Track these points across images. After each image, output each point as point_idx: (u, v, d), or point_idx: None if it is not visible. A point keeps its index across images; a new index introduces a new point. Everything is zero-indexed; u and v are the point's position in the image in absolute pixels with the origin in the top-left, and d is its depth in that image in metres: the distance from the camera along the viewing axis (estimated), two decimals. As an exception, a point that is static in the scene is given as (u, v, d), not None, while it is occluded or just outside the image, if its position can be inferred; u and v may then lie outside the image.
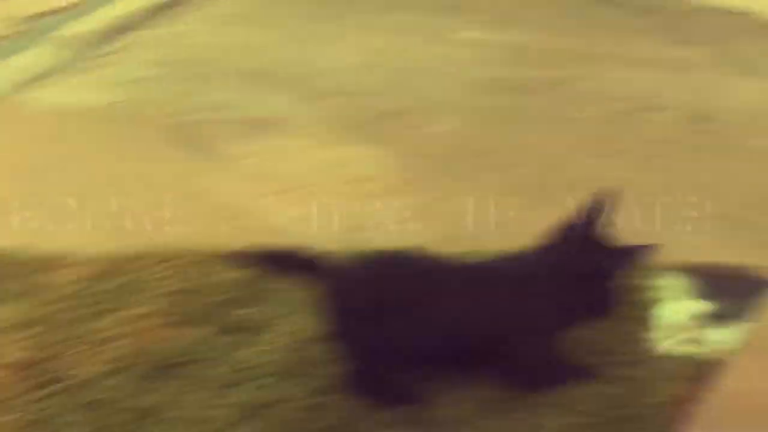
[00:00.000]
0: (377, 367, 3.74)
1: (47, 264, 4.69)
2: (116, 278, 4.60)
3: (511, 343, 3.67)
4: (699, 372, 3.94)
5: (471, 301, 3.63)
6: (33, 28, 8.08)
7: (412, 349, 3.63)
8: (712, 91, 6.20)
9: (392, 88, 6.72)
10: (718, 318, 4.31)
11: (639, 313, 4.24)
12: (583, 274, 3.64)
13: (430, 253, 4.09)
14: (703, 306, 4.38)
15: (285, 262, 3.94)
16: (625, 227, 4.82)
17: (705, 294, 4.45)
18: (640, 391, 3.80)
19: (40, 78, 7.11)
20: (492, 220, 5.07)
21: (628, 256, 3.65)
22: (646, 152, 5.64)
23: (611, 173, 5.45)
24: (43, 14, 8.26)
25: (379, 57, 7.21)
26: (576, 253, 3.67)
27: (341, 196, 5.42)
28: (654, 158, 5.57)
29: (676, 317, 4.29)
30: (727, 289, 4.48)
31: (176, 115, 6.50)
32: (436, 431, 3.65)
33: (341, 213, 5.22)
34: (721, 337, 4.18)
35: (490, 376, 3.82)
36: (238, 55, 7.51)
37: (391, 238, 4.90)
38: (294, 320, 4.26)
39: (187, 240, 4.98)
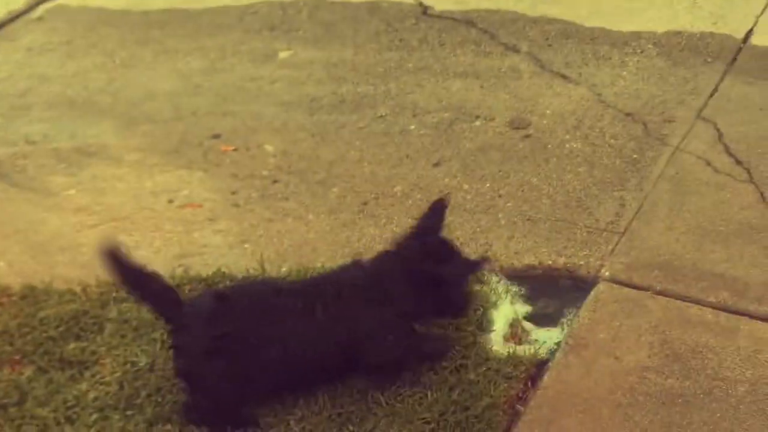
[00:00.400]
0: (218, 397, 3.74)
1: None
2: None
3: (366, 347, 3.79)
4: (528, 371, 4.10)
5: (322, 315, 3.72)
6: None
7: (260, 374, 3.67)
8: (530, 98, 6.41)
9: (213, 111, 6.69)
10: (541, 318, 4.49)
11: (470, 317, 4.34)
12: (424, 279, 3.80)
13: (270, 278, 4.13)
14: (527, 308, 4.54)
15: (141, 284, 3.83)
16: (452, 234, 5.02)
17: (528, 296, 4.62)
18: (476, 394, 3.91)
19: None
20: (318, 237, 5.13)
21: (465, 263, 3.81)
22: (470, 160, 5.78)
23: (438, 182, 5.59)
24: None
25: (199, 80, 7.17)
26: (417, 261, 3.79)
27: (168, 222, 5.37)
28: (478, 165, 5.72)
29: (503, 320, 4.44)
30: (548, 290, 4.66)
31: (-8, 149, 6.32)
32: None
33: (168, 241, 5.18)
34: (545, 337, 4.35)
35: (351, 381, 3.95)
36: (53, 85, 7.32)
37: (221, 261, 4.91)
38: (127, 351, 4.21)
39: (12, 276, 4.86)
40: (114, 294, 4.59)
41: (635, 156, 5.65)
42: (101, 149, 6.24)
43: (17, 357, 4.23)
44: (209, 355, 3.59)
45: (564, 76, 6.72)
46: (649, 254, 4.74)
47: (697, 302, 4.39)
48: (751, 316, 4.29)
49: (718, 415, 3.76)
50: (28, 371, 4.13)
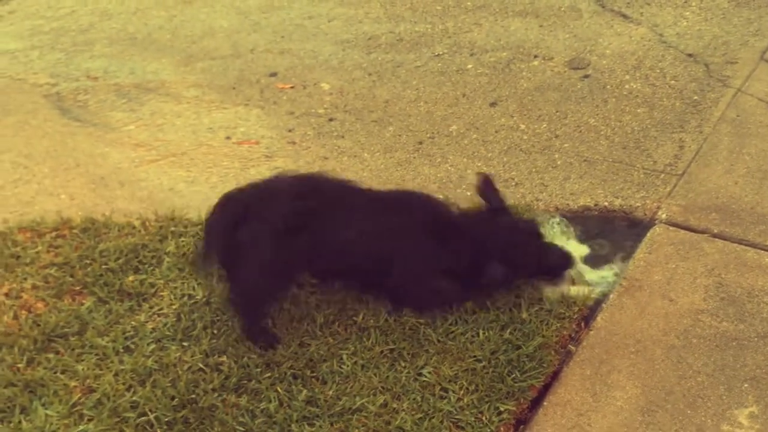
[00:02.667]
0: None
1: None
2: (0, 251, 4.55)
3: (398, 269, 3.88)
4: (580, 312, 4.10)
5: (370, 225, 3.84)
6: None
7: (312, 265, 3.89)
8: (590, 38, 6.34)
9: (270, 49, 6.71)
10: (596, 259, 4.47)
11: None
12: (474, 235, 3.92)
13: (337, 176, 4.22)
14: (582, 249, 4.53)
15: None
16: (508, 174, 5.01)
17: (583, 237, 4.60)
18: (528, 334, 3.92)
19: None
20: (373, 175, 5.14)
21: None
22: (527, 100, 5.75)
23: (494, 122, 5.57)
24: None
25: (256, 17, 7.18)
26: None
27: (225, 159, 5.41)
28: (535, 105, 5.69)
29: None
30: (603, 232, 4.64)
31: (55, 83, 6.39)
32: (322, 388, 3.72)
33: (225, 176, 5.23)
34: (599, 278, 4.34)
35: (379, 297, 4.06)
36: (112, 22, 7.39)
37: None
38: (185, 284, 4.27)
39: (73, 209, 4.94)
40: (172, 228, 4.65)
41: (696, 98, 5.58)
42: (160, 85, 6.30)
43: (78, 288, 4.31)
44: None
45: (625, 16, 6.63)
46: (706, 197, 4.69)
47: (755, 246, 4.35)
48: (809, 261, 4.25)
49: (773, 358, 3.75)
50: (89, 302, 4.20)
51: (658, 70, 5.92)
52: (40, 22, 7.49)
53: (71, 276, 4.37)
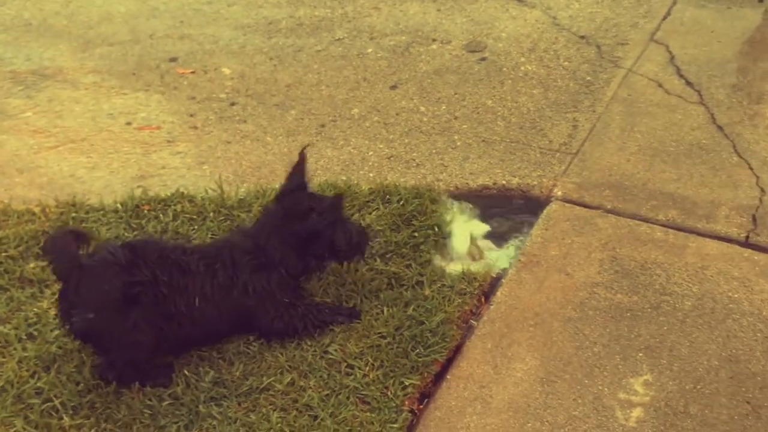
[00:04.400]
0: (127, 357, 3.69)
1: None
2: None
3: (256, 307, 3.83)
4: (481, 287, 4.19)
5: (224, 275, 3.74)
6: None
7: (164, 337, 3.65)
8: (486, 21, 6.44)
9: (170, 34, 6.67)
10: (495, 236, 4.58)
11: (424, 237, 4.43)
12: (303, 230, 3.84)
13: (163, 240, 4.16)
14: (481, 226, 4.63)
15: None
16: (408, 156, 5.09)
17: (482, 214, 4.70)
18: (431, 309, 4.00)
19: None
20: (276, 158, 5.16)
21: (330, 208, 3.85)
22: (426, 83, 5.84)
23: (395, 105, 5.64)
24: None
25: (155, 2, 7.13)
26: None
27: (126, 144, 5.37)
28: (434, 88, 5.77)
29: (458, 238, 4.53)
30: (502, 210, 4.74)
31: (-54, 71, 6.27)
32: (229, 368, 3.76)
33: (126, 162, 5.20)
34: (499, 254, 4.45)
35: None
36: (6, 8, 7.25)
37: (179, 183, 4.94)
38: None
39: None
40: (73, 214, 4.62)
41: (588, 78, 5.73)
42: (58, 72, 6.22)
43: (-23, 276, 4.26)
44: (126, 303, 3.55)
45: (520, 0, 6.76)
46: (600, 174, 4.84)
47: (647, 220, 4.51)
48: (699, 234, 4.41)
49: (665, 328, 3.88)
50: (-10, 290, 4.17)
51: (552, 52, 6.07)
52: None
53: (-24, 262, 4.32)
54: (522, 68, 5.92)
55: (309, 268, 3.95)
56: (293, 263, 3.83)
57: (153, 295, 3.55)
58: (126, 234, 4.46)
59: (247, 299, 3.77)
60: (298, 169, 3.94)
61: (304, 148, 4.03)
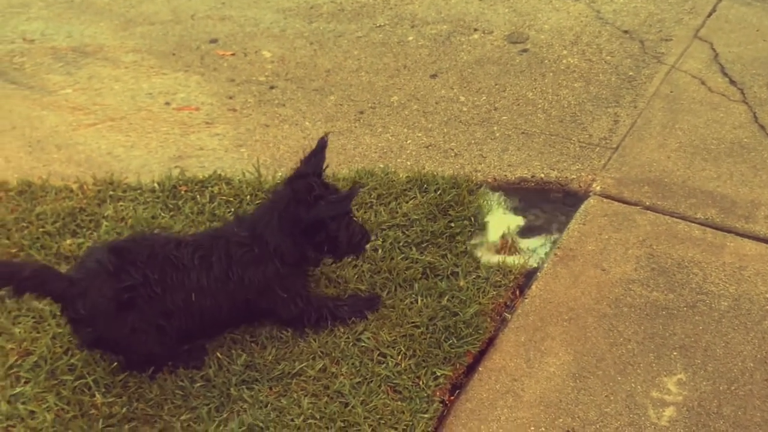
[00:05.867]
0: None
1: None
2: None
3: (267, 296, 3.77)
4: (516, 280, 4.17)
5: (219, 268, 3.66)
6: None
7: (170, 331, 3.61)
8: (529, 13, 6.40)
9: (211, 15, 6.67)
10: (532, 229, 4.55)
11: (461, 228, 4.42)
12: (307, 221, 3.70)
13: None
14: (518, 219, 4.61)
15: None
16: (447, 145, 5.07)
17: (519, 207, 4.68)
18: (465, 301, 3.98)
19: None
20: (314, 143, 5.13)
21: (340, 201, 3.76)
22: (467, 72, 5.81)
23: (434, 94, 5.61)
24: None
25: (198, -17, 7.15)
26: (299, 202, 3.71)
27: (164, 124, 5.38)
28: (475, 78, 5.74)
29: (493, 231, 4.51)
30: (539, 203, 4.72)
31: (-11, 46, 6.32)
32: (261, 352, 3.78)
33: (164, 142, 5.21)
34: (535, 247, 4.42)
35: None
36: (50, -18, 7.30)
37: (217, 165, 4.95)
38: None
39: (9, 171, 4.89)
40: (110, 192, 4.64)
41: (631, 73, 5.68)
42: (98, 49, 6.24)
43: (14, 250, 4.28)
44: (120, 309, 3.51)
45: (563, -8, 6.71)
46: (640, 170, 4.80)
47: (685, 218, 4.46)
48: (738, 233, 4.36)
49: (701, 327, 3.85)
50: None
51: (594, 46, 6.01)
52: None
53: (7, 238, 4.34)
54: (564, 61, 5.88)
55: (305, 259, 3.81)
56: (289, 252, 3.71)
57: (147, 296, 3.49)
58: (162, 213, 4.47)
59: (245, 292, 3.71)
60: (316, 155, 3.84)
61: (326, 134, 3.95)
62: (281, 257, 3.71)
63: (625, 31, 6.15)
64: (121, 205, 4.54)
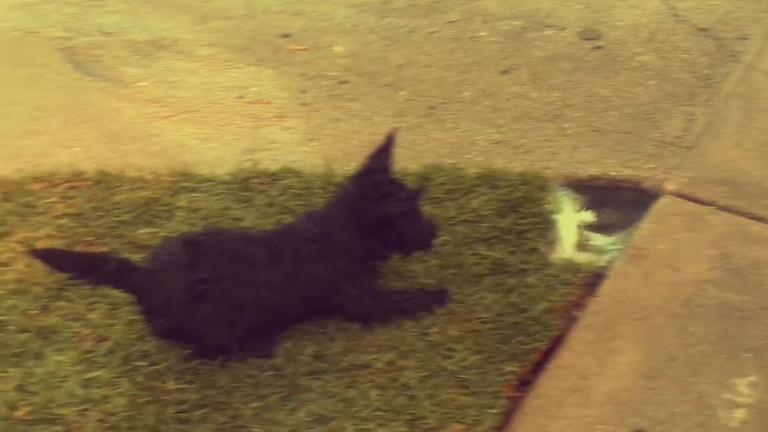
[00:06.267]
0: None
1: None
2: (15, 200, 4.60)
3: (334, 292, 3.80)
4: (586, 278, 4.15)
5: (289, 265, 3.70)
6: None
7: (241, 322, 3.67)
8: (603, 9, 6.35)
9: (284, 10, 6.72)
10: (603, 227, 4.52)
11: (530, 224, 4.40)
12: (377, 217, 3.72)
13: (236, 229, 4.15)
14: (588, 216, 4.58)
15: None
16: (518, 142, 5.06)
17: (590, 205, 4.64)
18: (534, 298, 3.97)
19: None
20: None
21: (408, 198, 3.76)
22: (539, 69, 5.78)
23: (506, 90, 5.60)
24: None
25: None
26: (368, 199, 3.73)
27: (237, 117, 5.45)
28: (547, 74, 5.72)
29: (564, 228, 4.48)
30: (611, 201, 4.68)
31: (68, 38, 6.41)
32: (329, 344, 3.81)
33: (237, 135, 5.27)
34: (606, 246, 4.39)
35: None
36: (128, -23, 7.42)
37: (288, 158, 4.99)
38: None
39: (86, 161, 4.99)
40: (184, 183, 4.71)
41: (706, 72, 5.61)
42: (174, 43, 6.33)
43: (90, 238, 4.37)
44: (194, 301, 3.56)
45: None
46: (714, 170, 4.73)
47: (760, 219, 4.39)
48: (814, 236, 4.29)
49: (774, 330, 3.80)
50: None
51: (669, 44, 5.94)
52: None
53: (84, 227, 4.43)
54: (638, 58, 5.82)
55: (373, 255, 3.83)
56: (356, 248, 3.74)
57: (219, 290, 3.55)
58: (234, 205, 4.52)
59: (314, 288, 3.75)
60: (383, 151, 3.86)
61: (393, 130, 3.97)
62: (349, 254, 3.74)
63: (701, 29, 6.07)
64: (194, 196, 4.61)
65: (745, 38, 5.91)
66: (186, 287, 3.50)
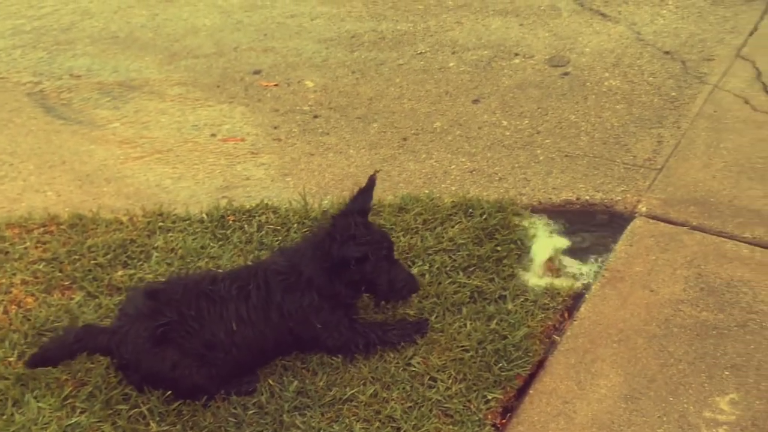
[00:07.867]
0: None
1: None
2: (-13, 249, 4.59)
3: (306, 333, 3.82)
4: (564, 302, 4.17)
5: (257, 298, 3.72)
6: None
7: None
8: (570, 36, 6.43)
9: (254, 47, 6.76)
10: (578, 251, 4.55)
11: (507, 251, 4.43)
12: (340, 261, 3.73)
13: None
14: (564, 242, 4.60)
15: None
16: (491, 170, 5.09)
17: (565, 230, 4.68)
18: (514, 324, 3.99)
19: None
20: (359, 170, 5.20)
21: (366, 243, 3.75)
22: (508, 97, 5.83)
23: (477, 119, 5.64)
24: None
25: (239, 16, 7.23)
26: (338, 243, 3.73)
27: (211, 155, 5.45)
28: (516, 102, 5.77)
29: (540, 254, 4.51)
30: (585, 225, 4.71)
31: (38, 82, 6.41)
32: (312, 379, 3.80)
33: (211, 173, 5.27)
34: (582, 270, 4.42)
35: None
36: (94, 20, 7.42)
37: (263, 194, 5.00)
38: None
39: (60, 205, 4.97)
40: (160, 224, 4.70)
41: (673, 94, 5.68)
42: (144, 83, 6.34)
43: (67, 283, 4.35)
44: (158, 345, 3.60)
45: (603, 15, 6.73)
46: (685, 190, 4.78)
47: (733, 238, 4.44)
48: (787, 252, 4.34)
49: (752, 346, 3.82)
50: (78, 296, 4.24)
51: (636, 68, 6.02)
52: (22, 21, 7.51)
53: (60, 271, 4.41)
54: (606, 83, 5.89)
55: (339, 294, 3.82)
56: (323, 285, 3.76)
57: (184, 331, 3.58)
58: (211, 243, 4.52)
59: (285, 321, 3.75)
60: (364, 193, 3.89)
61: (375, 172, 4.02)
62: (317, 288, 3.76)
63: (666, 52, 6.15)
64: (170, 236, 4.60)
65: (710, 59, 6.00)
66: (147, 334, 3.53)
